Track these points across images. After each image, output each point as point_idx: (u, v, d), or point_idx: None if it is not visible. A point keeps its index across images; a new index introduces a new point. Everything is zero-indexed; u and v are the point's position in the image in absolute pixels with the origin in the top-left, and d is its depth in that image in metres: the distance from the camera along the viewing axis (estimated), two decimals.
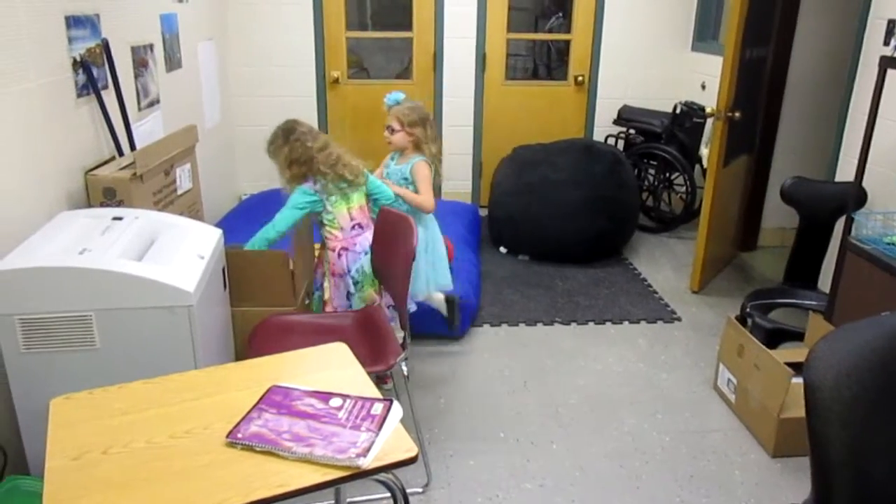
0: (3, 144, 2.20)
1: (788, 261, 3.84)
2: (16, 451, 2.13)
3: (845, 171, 3.69)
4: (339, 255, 2.78)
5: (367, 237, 2.78)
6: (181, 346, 2.05)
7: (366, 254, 2.77)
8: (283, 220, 2.75)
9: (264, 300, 2.81)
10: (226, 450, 1.40)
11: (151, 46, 3.50)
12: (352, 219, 2.78)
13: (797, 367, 2.69)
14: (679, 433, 2.80)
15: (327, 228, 2.78)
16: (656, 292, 4.10)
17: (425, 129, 3.04)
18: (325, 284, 2.87)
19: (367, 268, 2.77)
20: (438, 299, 3.30)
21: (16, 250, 2.03)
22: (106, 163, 2.84)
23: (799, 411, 2.65)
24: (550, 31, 5.75)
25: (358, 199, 2.81)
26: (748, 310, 3.48)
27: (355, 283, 2.79)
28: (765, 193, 4.76)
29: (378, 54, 5.75)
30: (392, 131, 3.06)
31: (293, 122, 2.80)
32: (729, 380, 2.98)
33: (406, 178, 3.05)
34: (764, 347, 2.76)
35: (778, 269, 4.31)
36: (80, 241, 2.09)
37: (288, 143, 2.74)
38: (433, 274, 3.14)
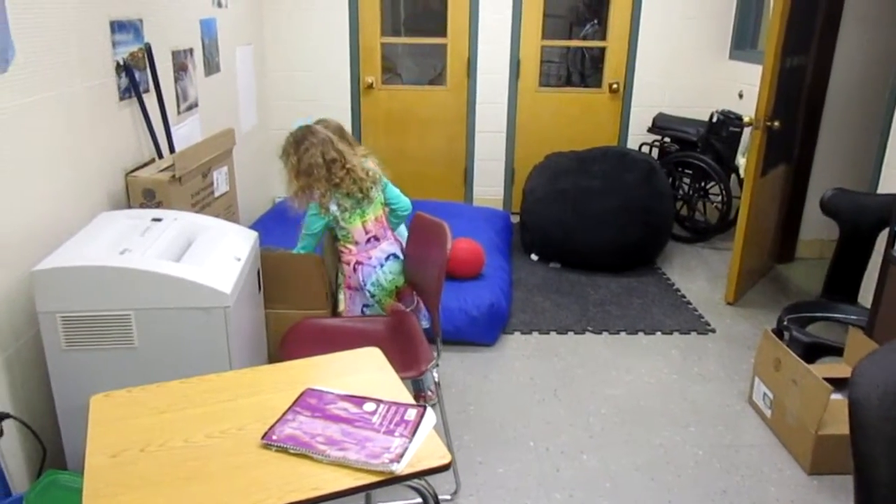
0: (49, 145, 2.25)
1: (828, 274, 3.76)
2: (54, 446, 2.17)
3: (889, 183, 3.61)
4: (355, 270, 2.71)
5: (384, 248, 2.73)
6: (216, 346, 2.08)
7: (381, 266, 2.71)
8: (308, 248, 2.76)
9: (297, 303, 2.84)
10: (260, 451, 1.41)
11: (191, 51, 3.56)
12: (367, 232, 2.69)
13: (836, 383, 2.64)
14: (712, 447, 2.75)
15: (341, 243, 2.72)
16: (690, 303, 4.05)
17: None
18: (340, 296, 2.81)
19: (384, 280, 2.71)
20: None
21: (59, 249, 2.07)
22: (146, 165, 2.89)
23: (838, 428, 2.59)
24: (585, 38, 5.72)
25: (374, 210, 2.72)
26: (785, 323, 3.41)
27: (372, 297, 2.73)
28: (803, 204, 4.68)
29: (412, 60, 5.78)
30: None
31: (306, 130, 2.69)
32: (765, 394, 2.92)
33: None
34: (802, 362, 2.70)
35: (815, 281, 4.24)
36: (120, 242, 2.13)
37: (297, 152, 2.65)
38: None
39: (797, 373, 2.71)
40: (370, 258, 2.71)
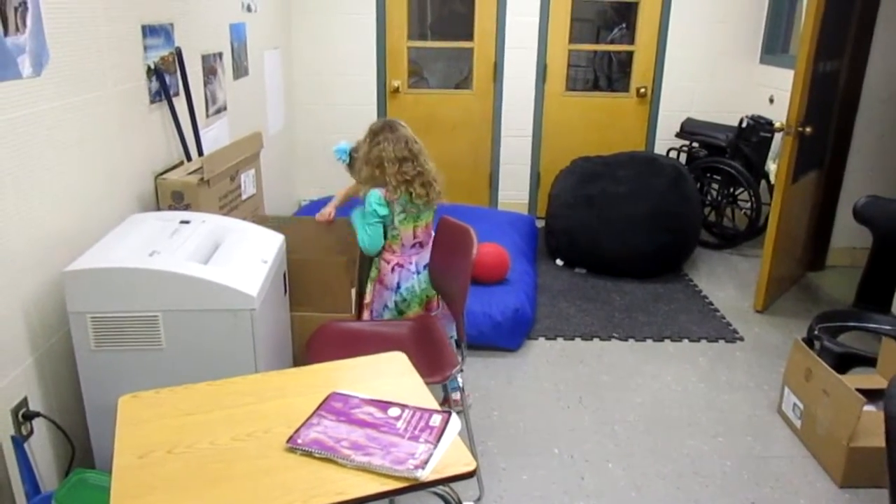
0: (81, 148, 2.29)
1: (860, 282, 3.68)
2: (83, 445, 2.20)
3: None
4: (393, 270, 2.72)
5: (424, 256, 2.74)
6: (242, 348, 2.09)
7: (419, 273, 2.72)
8: (373, 236, 2.68)
9: (322, 306, 2.84)
10: (286, 454, 1.41)
11: (221, 55, 3.59)
12: (415, 237, 2.72)
13: (868, 394, 2.58)
14: (741, 457, 2.71)
15: (388, 242, 2.73)
16: (718, 310, 3.99)
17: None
18: (368, 288, 2.81)
19: (419, 288, 2.72)
20: None
21: (90, 251, 2.10)
22: (175, 167, 2.92)
23: (870, 440, 2.54)
24: (613, 42, 5.69)
25: (426, 217, 2.75)
26: (816, 332, 3.34)
27: (403, 301, 2.73)
28: (834, 211, 4.60)
29: (438, 64, 5.79)
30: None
31: (390, 123, 2.72)
32: (795, 404, 2.87)
33: None
34: (834, 372, 2.65)
35: (847, 290, 4.15)
36: (149, 244, 2.15)
37: (371, 142, 2.68)
38: None
39: (829, 383, 2.65)
40: (411, 263, 2.72)
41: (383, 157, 2.63)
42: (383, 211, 2.65)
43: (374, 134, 2.69)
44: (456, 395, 2.86)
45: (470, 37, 5.32)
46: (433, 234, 2.75)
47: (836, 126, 4.36)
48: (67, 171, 2.21)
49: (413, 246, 2.73)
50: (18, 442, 1.90)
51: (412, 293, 2.72)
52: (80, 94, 2.28)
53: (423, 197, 2.65)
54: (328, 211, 3.12)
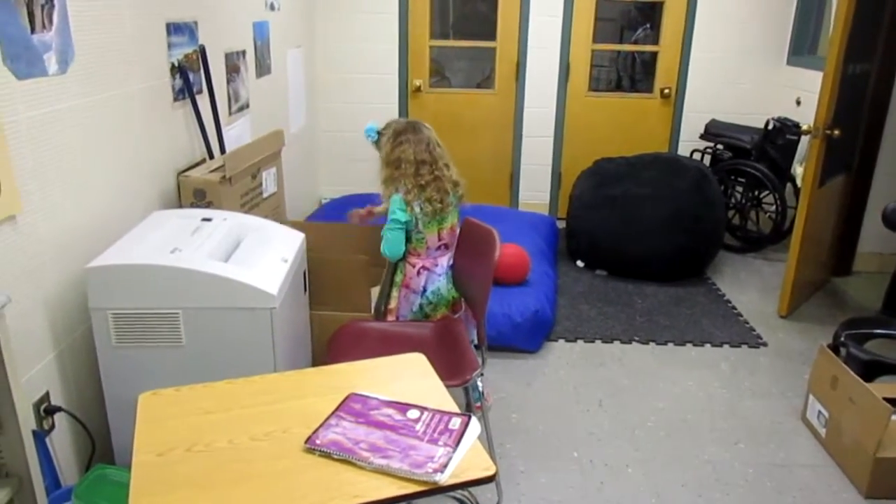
0: (106, 145, 2.30)
1: (888, 289, 3.61)
2: (103, 440, 2.21)
3: None
4: (419, 273, 2.69)
5: (450, 257, 2.71)
6: (262, 346, 2.09)
7: (445, 274, 2.69)
8: (393, 242, 2.64)
9: (341, 305, 2.84)
10: (304, 455, 1.40)
11: (244, 53, 3.60)
12: (440, 239, 2.68)
13: None
14: (763, 466, 2.66)
15: (413, 245, 2.70)
16: (741, 315, 3.94)
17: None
18: (394, 293, 2.78)
19: (444, 289, 2.68)
20: None
21: (112, 247, 2.11)
22: (197, 165, 2.93)
23: None
24: (637, 42, 5.64)
25: (451, 219, 2.70)
26: (842, 339, 3.28)
27: (430, 304, 2.70)
28: (862, 216, 4.51)
29: (460, 63, 5.77)
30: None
31: (413, 124, 2.70)
32: (819, 412, 2.82)
33: None
34: (860, 380, 2.60)
35: (873, 296, 4.08)
36: (171, 241, 2.16)
37: (392, 142, 2.65)
38: None
39: (855, 391, 2.60)
40: (437, 265, 2.69)
41: (402, 158, 2.61)
42: (404, 217, 2.62)
43: (397, 134, 2.66)
44: (479, 402, 2.85)
45: (492, 36, 5.30)
46: (450, 240, 2.72)
47: (865, 129, 4.28)
48: (92, 167, 2.23)
49: (438, 248, 2.69)
50: (40, 436, 1.91)
51: (439, 296, 2.69)
52: (105, 91, 2.29)
53: (435, 202, 2.61)
54: (364, 211, 3.06)
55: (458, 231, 2.72)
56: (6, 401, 1.58)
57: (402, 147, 2.62)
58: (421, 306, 2.70)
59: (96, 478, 1.96)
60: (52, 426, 2.04)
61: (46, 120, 1.98)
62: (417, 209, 2.62)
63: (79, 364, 2.17)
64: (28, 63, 1.88)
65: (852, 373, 2.66)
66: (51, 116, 2.00)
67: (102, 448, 2.23)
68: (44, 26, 1.94)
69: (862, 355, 3.10)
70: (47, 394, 2.01)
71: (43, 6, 1.93)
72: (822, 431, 2.80)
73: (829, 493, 2.53)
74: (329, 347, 2.44)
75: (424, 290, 2.69)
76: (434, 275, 2.69)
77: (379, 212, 3.01)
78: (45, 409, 2.00)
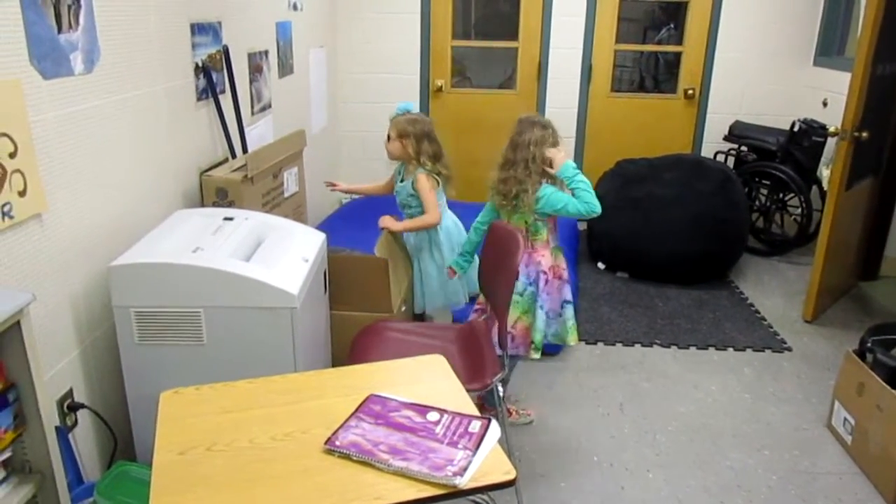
0: (130, 144, 2.32)
1: None
2: (125, 437, 2.23)
3: None
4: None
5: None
6: (282, 346, 2.09)
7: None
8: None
9: (361, 305, 2.84)
10: (323, 456, 1.40)
11: (266, 53, 3.62)
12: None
13: None
14: (787, 472, 2.62)
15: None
16: (765, 319, 3.88)
17: (420, 142, 3.03)
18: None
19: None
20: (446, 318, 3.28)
21: (135, 246, 2.12)
22: (219, 164, 2.95)
23: None
24: (660, 42, 5.58)
25: (516, 221, 2.68)
26: (869, 344, 3.22)
27: None
28: (890, 220, 4.43)
29: (481, 63, 5.75)
30: (388, 139, 3.09)
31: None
32: (845, 419, 2.77)
33: (412, 194, 3.05)
34: (889, 388, 2.55)
35: None
36: (193, 240, 2.17)
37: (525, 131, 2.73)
38: (442, 290, 3.14)
39: (882, 398, 2.55)
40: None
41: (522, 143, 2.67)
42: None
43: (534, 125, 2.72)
44: (516, 410, 2.90)
45: (514, 36, 5.28)
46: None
47: (894, 132, 4.21)
48: (116, 166, 2.25)
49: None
50: (63, 432, 1.93)
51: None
52: (130, 90, 2.31)
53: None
54: (399, 226, 3.08)
55: (521, 233, 2.64)
56: (30, 397, 1.59)
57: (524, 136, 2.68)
58: None
59: (118, 474, 1.98)
60: (76, 422, 2.06)
61: (72, 119, 2.00)
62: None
63: (101, 361, 2.19)
64: (55, 63, 1.90)
65: (879, 379, 2.61)
66: (77, 116, 2.02)
67: (124, 445, 2.24)
68: (70, 26, 1.96)
69: (889, 361, 3.03)
70: (71, 390, 2.03)
71: (70, 6, 1.95)
72: (848, 439, 2.75)
73: (854, 501, 2.48)
74: (352, 347, 2.45)
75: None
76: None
77: (413, 227, 3.08)
78: (69, 406, 2.02)
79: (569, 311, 2.72)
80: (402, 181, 3.15)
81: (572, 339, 2.72)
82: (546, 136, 2.64)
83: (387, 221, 3.09)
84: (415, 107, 3.21)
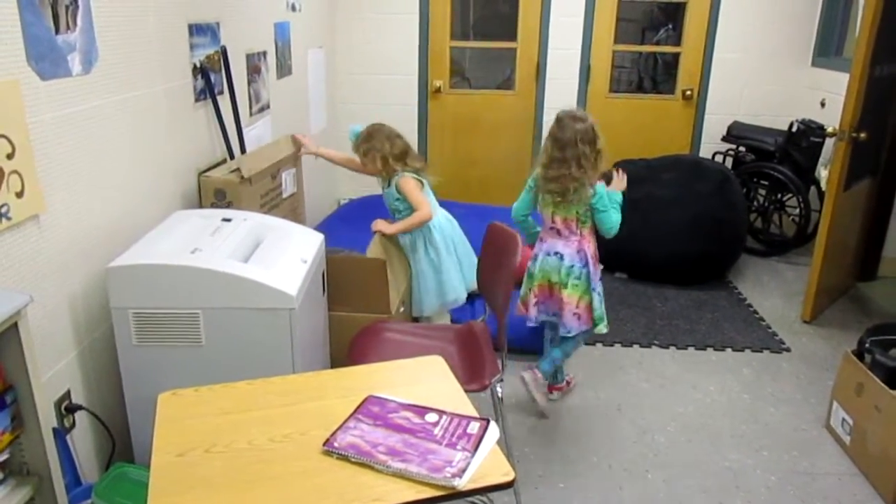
0: (128, 145, 2.32)
1: None
2: (123, 439, 2.22)
3: None
4: (540, 239, 2.91)
5: (557, 244, 2.82)
6: (281, 347, 2.09)
7: (546, 255, 2.83)
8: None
9: (359, 306, 2.84)
10: (322, 457, 1.40)
11: (265, 54, 3.62)
12: (552, 222, 2.82)
13: None
14: (786, 473, 2.62)
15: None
16: (763, 319, 3.89)
17: (382, 148, 3.08)
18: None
19: (536, 268, 2.84)
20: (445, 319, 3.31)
21: (133, 247, 2.12)
22: (218, 165, 2.94)
23: None
24: (658, 43, 5.59)
25: (564, 212, 2.79)
26: (867, 345, 3.22)
27: (529, 273, 2.89)
28: (888, 220, 4.43)
29: (480, 64, 5.75)
30: (364, 165, 3.19)
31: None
32: (844, 419, 2.77)
33: (398, 198, 3.12)
34: (887, 388, 2.55)
35: None
36: (191, 241, 2.16)
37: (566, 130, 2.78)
38: (438, 288, 3.18)
39: (881, 399, 2.55)
40: (545, 242, 2.86)
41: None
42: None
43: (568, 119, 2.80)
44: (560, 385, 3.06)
45: (513, 37, 5.28)
46: (564, 230, 2.82)
47: (892, 132, 4.21)
48: (115, 167, 2.24)
49: (550, 229, 2.84)
50: (61, 434, 1.93)
51: (531, 270, 2.88)
52: (128, 91, 2.31)
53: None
54: (392, 229, 3.14)
55: (575, 227, 2.81)
56: (28, 399, 1.59)
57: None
58: (529, 270, 2.90)
59: (116, 476, 1.97)
60: (73, 424, 2.06)
61: (70, 120, 1.99)
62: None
63: (100, 363, 2.18)
64: (52, 63, 1.89)
65: (878, 380, 2.61)
66: (75, 117, 2.01)
67: (122, 446, 2.24)
68: (68, 27, 1.96)
69: (888, 362, 3.03)
70: (68, 392, 2.03)
71: (67, 7, 1.95)
72: (847, 439, 2.75)
73: (853, 502, 2.49)
74: (350, 348, 2.44)
75: (535, 257, 2.88)
76: (539, 249, 2.87)
77: (405, 227, 3.13)
78: (67, 408, 2.01)
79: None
80: (387, 187, 3.16)
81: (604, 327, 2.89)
82: (587, 128, 2.74)
83: (380, 225, 3.11)
84: (361, 126, 3.24)
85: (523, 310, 2.92)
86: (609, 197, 2.77)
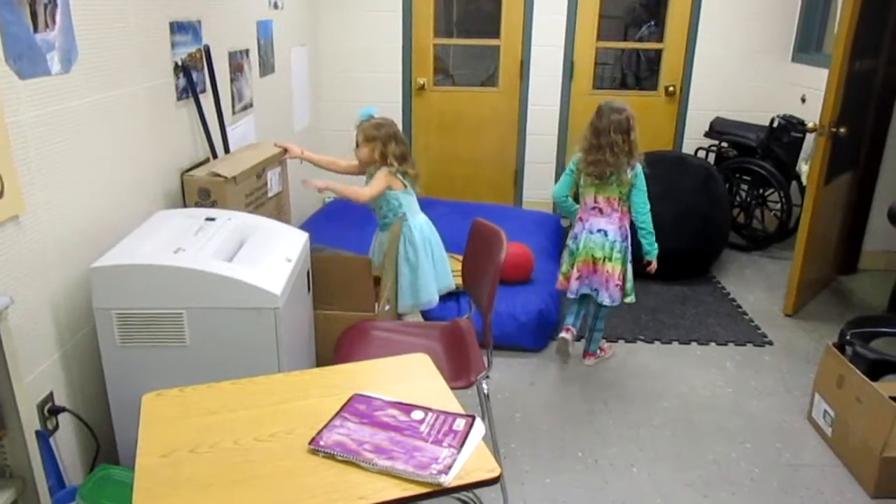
0: (109, 144, 2.30)
1: (894, 287, 3.59)
2: (107, 440, 2.21)
3: None
4: (579, 220, 3.22)
5: (600, 222, 3.13)
6: (266, 346, 2.08)
7: (589, 234, 3.15)
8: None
9: (345, 305, 2.83)
10: (308, 456, 1.40)
11: (247, 52, 3.60)
12: (595, 202, 3.15)
13: None
14: (769, 465, 2.65)
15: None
16: (746, 314, 3.92)
17: (387, 145, 3.07)
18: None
19: (580, 245, 3.17)
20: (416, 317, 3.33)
21: (116, 247, 2.11)
22: (201, 164, 2.93)
23: None
24: (641, 39, 5.61)
25: (609, 192, 3.12)
26: (848, 337, 3.26)
27: (569, 250, 3.26)
28: (868, 214, 4.49)
29: (464, 61, 5.75)
30: (357, 145, 3.17)
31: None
32: (826, 411, 2.81)
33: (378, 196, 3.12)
34: (867, 379, 2.58)
35: (880, 294, 4.07)
36: (175, 241, 2.15)
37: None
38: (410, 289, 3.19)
39: (861, 391, 2.59)
40: (587, 222, 3.18)
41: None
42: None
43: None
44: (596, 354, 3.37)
45: (497, 34, 5.28)
46: (606, 209, 3.14)
47: (871, 127, 4.26)
48: (96, 167, 2.22)
49: (592, 209, 3.16)
50: (44, 436, 1.91)
51: (573, 248, 3.22)
52: (109, 90, 2.29)
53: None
54: (322, 184, 3.09)
55: (617, 205, 3.13)
56: (9, 402, 1.58)
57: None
58: (569, 247, 3.27)
59: (101, 478, 1.96)
60: (57, 426, 2.04)
61: (50, 119, 1.97)
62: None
63: (83, 364, 2.17)
64: (31, 62, 1.87)
65: (859, 372, 2.64)
66: (54, 116, 1.99)
67: (107, 448, 2.23)
68: (47, 25, 1.94)
69: (868, 354, 3.08)
70: (51, 394, 2.01)
71: (46, 5, 1.93)
72: (829, 431, 2.78)
73: (835, 492, 2.52)
74: (336, 347, 2.44)
75: (576, 236, 3.23)
76: (581, 228, 3.19)
77: (336, 190, 3.08)
78: (50, 410, 2.00)
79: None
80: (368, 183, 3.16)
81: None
82: (621, 119, 3.05)
83: (313, 182, 3.08)
84: (378, 109, 3.21)
85: (564, 284, 3.27)
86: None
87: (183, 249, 2.09)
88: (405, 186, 3.11)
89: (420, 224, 3.17)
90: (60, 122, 2.02)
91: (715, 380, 3.24)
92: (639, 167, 3.10)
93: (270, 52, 3.98)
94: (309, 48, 4.88)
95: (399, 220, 3.09)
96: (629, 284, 3.19)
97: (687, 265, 4.32)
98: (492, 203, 5.11)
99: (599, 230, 3.12)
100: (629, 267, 3.19)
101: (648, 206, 3.12)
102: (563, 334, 3.26)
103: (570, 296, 3.24)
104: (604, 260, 3.12)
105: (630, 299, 3.21)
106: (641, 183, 3.10)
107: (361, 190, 3.08)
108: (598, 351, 3.38)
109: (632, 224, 3.19)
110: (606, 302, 3.16)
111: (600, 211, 3.13)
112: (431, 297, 3.20)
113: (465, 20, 5.70)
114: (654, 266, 3.23)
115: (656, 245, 3.17)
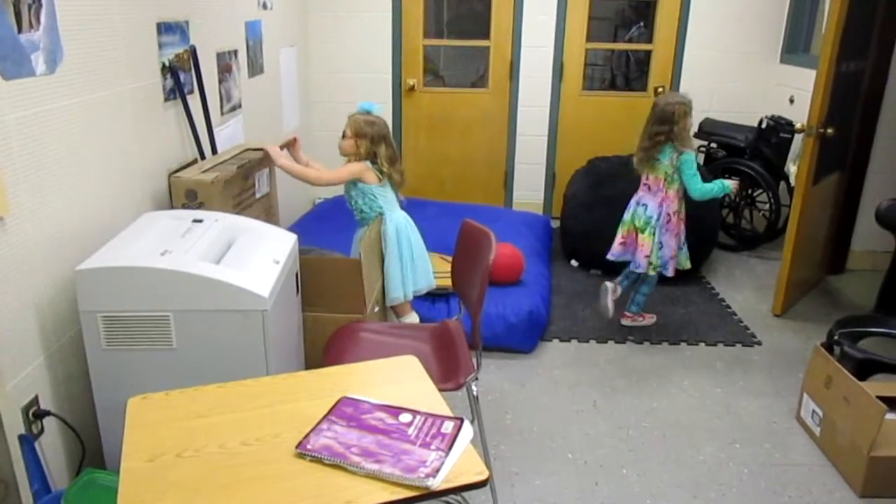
0: (96, 146, 2.28)
1: (882, 287, 3.61)
2: (93, 444, 2.19)
3: None
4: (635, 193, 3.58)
5: (646, 198, 3.47)
6: (254, 349, 2.07)
7: (636, 206, 3.50)
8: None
9: (334, 306, 2.82)
10: (295, 460, 1.39)
11: (236, 52, 3.58)
12: (646, 179, 3.50)
13: (891, 402, 2.52)
14: (759, 465, 2.66)
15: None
16: (735, 314, 3.94)
17: (377, 145, 3.04)
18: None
19: (628, 216, 3.54)
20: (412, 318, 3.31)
21: (102, 249, 2.09)
22: (188, 165, 2.91)
23: (892, 449, 2.49)
24: (631, 40, 5.63)
25: (657, 171, 3.44)
26: (836, 337, 3.27)
27: (622, 220, 3.59)
28: (856, 214, 4.52)
29: (454, 62, 5.75)
30: (343, 136, 3.11)
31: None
32: (814, 411, 2.82)
33: (357, 194, 3.11)
34: (854, 379, 2.60)
35: (867, 294, 4.08)
36: (161, 243, 2.13)
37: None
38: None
39: (849, 390, 2.60)
40: (638, 195, 3.55)
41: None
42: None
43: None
44: (633, 316, 3.72)
45: (486, 35, 5.28)
46: (654, 186, 3.46)
47: (859, 127, 4.29)
48: (82, 168, 2.20)
49: (644, 185, 3.52)
50: (29, 440, 1.89)
51: (625, 217, 3.56)
52: (95, 91, 2.27)
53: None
54: (279, 162, 3.05)
55: (663, 184, 3.42)
56: None
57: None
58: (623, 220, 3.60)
59: (86, 482, 1.94)
60: (42, 430, 2.02)
61: (35, 121, 1.95)
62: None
63: (68, 367, 2.15)
64: (15, 63, 1.86)
65: (846, 372, 2.65)
66: (39, 117, 1.97)
67: (93, 452, 2.21)
68: (31, 26, 1.92)
69: (856, 354, 3.09)
70: (36, 398, 1.99)
71: (30, 6, 1.91)
72: (817, 430, 2.79)
73: (823, 492, 2.53)
74: (325, 349, 2.43)
75: (630, 207, 3.57)
76: (633, 201, 3.54)
77: (292, 171, 3.05)
78: (34, 413, 1.98)
79: (685, 246, 3.58)
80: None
81: (688, 263, 3.61)
82: (665, 110, 3.36)
83: (273, 150, 3.04)
84: (382, 108, 3.16)
85: (615, 246, 3.61)
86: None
87: (170, 251, 2.07)
88: (379, 181, 3.07)
89: (396, 220, 3.11)
90: (46, 124, 2.00)
91: (704, 380, 3.25)
92: (686, 154, 3.35)
93: (259, 53, 3.97)
94: (298, 49, 4.87)
95: (378, 221, 3.06)
96: (654, 258, 3.45)
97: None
98: (481, 204, 5.11)
99: (643, 204, 3.46)
100: (658, 245, 3.45)
101: (701, 187, 3.34)
102: (607, 283, 3.56)
103: (610, 257, 3.60)
104: (640, 230, 3.46)
105: (652, 273, 3.51)
106: (688, 168, 3.34)
107: (319, 172, 3.06)
108: (638, 316, 3.69)
109: (688, 215, 3.52)
110: (636, 269, 3.51)
111: (649, 188, 3.47)
112: (397, 294, 3.14)
113: (454, 21, 5.70)
114: (735, 184, 3.58)
115: (718, 185, 3.40)
